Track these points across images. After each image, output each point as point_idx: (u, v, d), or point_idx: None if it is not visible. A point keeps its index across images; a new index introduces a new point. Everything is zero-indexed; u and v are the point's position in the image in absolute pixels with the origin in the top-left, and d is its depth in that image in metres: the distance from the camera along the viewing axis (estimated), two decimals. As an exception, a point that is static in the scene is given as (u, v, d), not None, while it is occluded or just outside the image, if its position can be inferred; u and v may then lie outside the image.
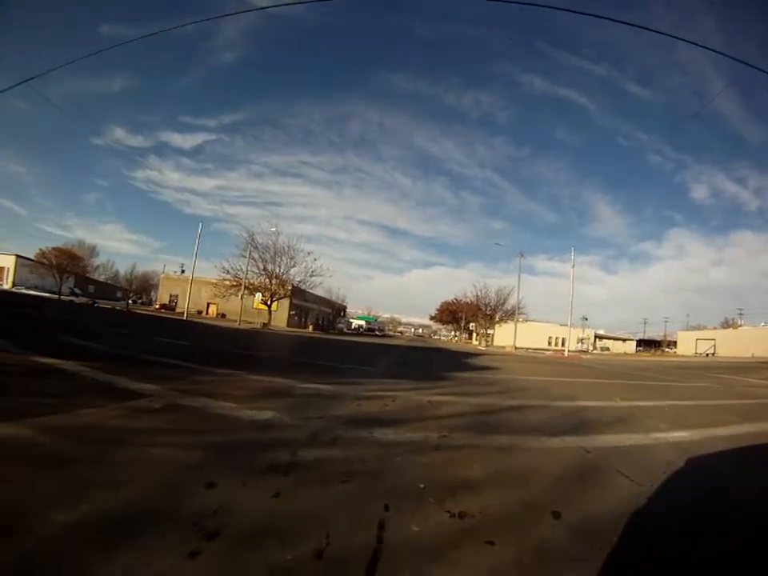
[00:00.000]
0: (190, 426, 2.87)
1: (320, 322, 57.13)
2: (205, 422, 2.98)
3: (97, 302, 41.06)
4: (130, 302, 48.83)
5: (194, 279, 39.38)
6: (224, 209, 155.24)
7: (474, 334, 60.18)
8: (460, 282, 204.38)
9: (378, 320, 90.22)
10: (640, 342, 69.64)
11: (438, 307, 79.57)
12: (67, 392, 3.66)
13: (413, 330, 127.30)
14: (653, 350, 64.79)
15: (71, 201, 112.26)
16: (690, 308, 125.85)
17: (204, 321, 33.35)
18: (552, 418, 4.22)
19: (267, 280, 36.01)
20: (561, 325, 50.18)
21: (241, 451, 2.36)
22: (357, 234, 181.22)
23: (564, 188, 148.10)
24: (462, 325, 65.27)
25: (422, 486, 1.98)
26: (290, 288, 37.58)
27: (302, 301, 49.37)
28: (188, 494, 1.77)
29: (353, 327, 71.09)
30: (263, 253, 36.12)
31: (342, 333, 49.38)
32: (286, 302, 42.20)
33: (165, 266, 66.70)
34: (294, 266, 36.18)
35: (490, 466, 2.40)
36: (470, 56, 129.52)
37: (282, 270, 36.29)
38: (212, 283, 39.40)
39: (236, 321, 34.51)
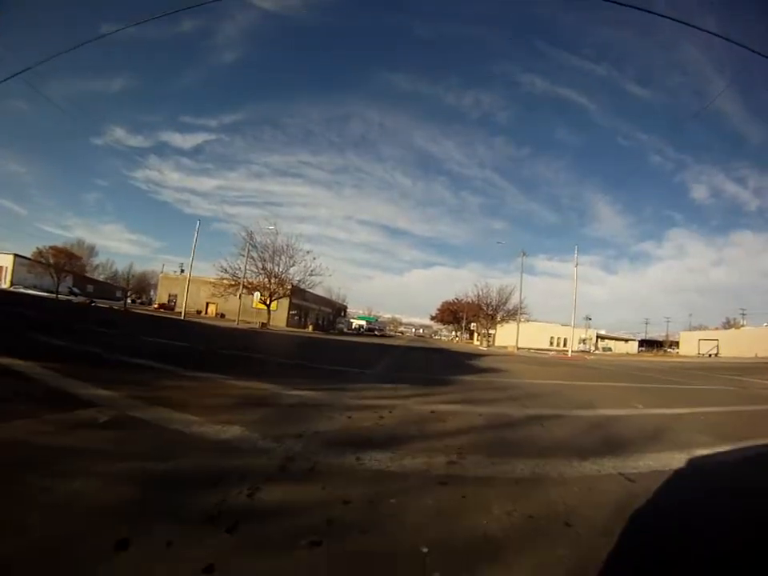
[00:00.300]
0: (131, 446, 2.27)
1: (320, 321, 56.48)
2: (153, 441, 2.38)
3: (95, 302, 40.55)
4: (128, 301, 48.26)
5: (193, 279, 38.85)
6: (224, 209, 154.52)
7: (475, 334, 59.44)
8: (460, 281, 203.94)
9: (379, 320, 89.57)
10: (642, 343, 68.70)
11: (438, 307, 78.87)
12: (6, 398, 3.15)
13: (413, 330, 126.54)
14: (655, 350, 63.89)
15: (71, 201, 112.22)
16: (691, 308, 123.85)
17: (202, 321, 32.73)
18: (577, 432, 3.59)
19: (266, 279, 35.38)
20: (562, 325, 49.43)
21: (182, 487, 1.76)
22: (357, 233, 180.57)
23: (564, 188, 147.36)
24: (463, 325, 64.56)
25: (424, 550, 1.37)
26: (289, 287, 36.94)
27: (301, 300, 48.76)
28: (86, 559, 1.22)
29: (353, 327, 70.39)
30: (262, 252, 35.56)
31: (341, 333, 48.76)
32: (285, 302, 41.61)
33: (164, 265, 66.07)
34: (293, 264, 35.59)
35: (515, 509, 1.78)
36: (470, 56, 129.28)
37: (280, 269, 35.72)
38: (211, 283, 38.80)
39: (235, 320, 33.97)
